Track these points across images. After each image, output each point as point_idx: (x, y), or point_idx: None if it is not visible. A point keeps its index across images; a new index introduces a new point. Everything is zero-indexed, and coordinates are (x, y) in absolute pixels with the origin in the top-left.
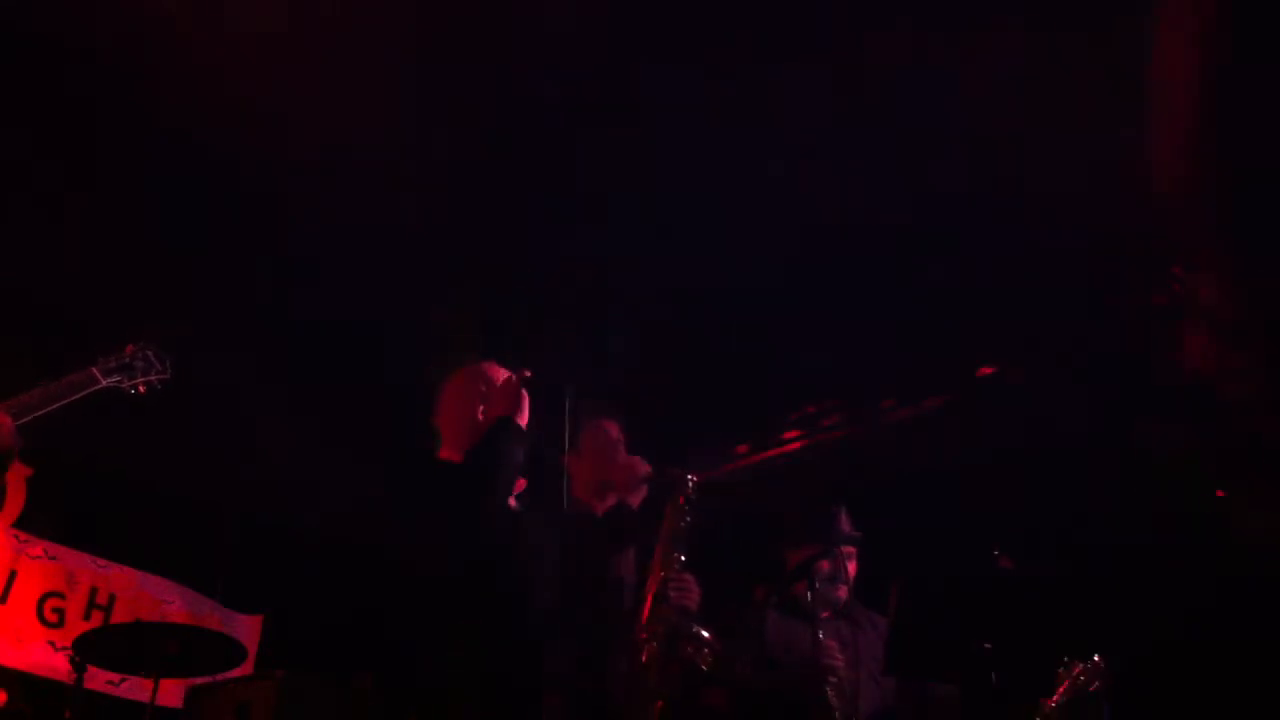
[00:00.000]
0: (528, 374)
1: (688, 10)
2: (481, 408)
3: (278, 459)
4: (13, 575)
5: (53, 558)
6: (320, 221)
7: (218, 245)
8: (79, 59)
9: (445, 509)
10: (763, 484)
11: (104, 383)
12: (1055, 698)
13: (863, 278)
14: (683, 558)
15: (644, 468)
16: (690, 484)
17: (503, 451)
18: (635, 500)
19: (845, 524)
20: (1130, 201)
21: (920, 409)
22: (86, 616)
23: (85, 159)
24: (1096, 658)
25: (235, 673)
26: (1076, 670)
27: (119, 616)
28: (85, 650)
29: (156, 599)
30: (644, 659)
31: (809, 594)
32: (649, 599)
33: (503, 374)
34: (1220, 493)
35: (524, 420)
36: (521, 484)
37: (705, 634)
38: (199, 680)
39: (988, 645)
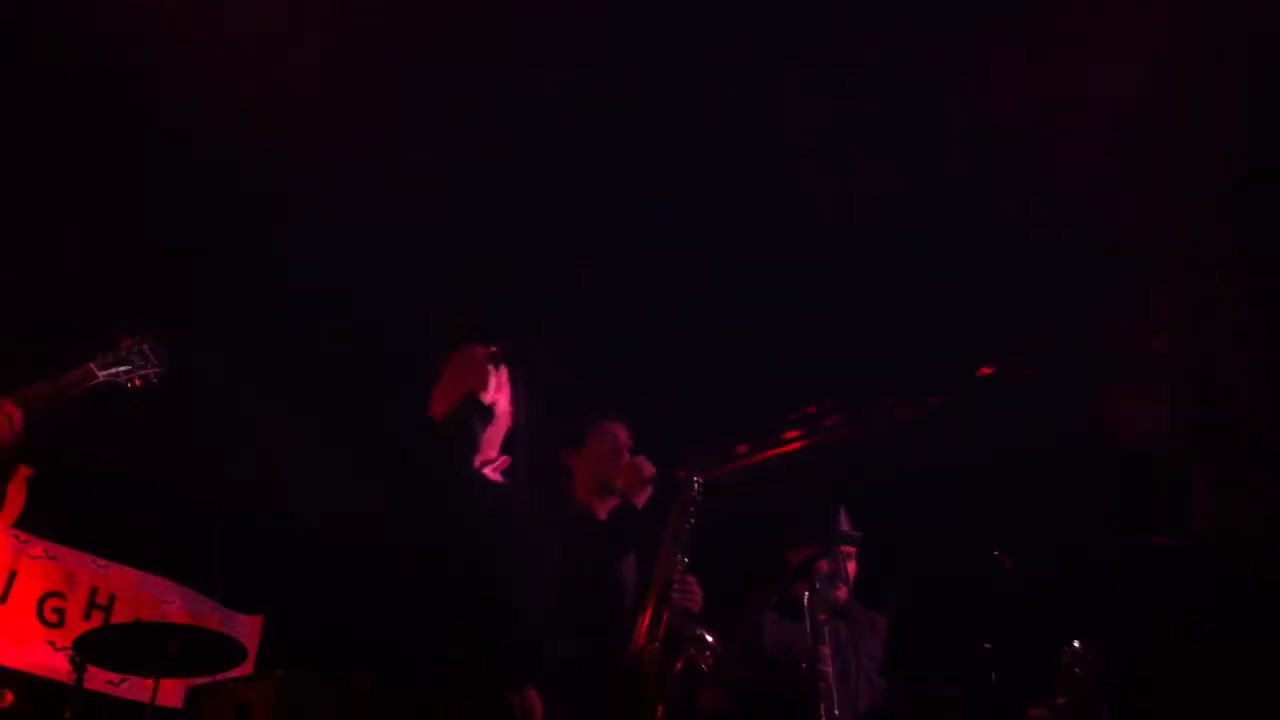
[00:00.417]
0: (494, 349)
1: (688, 10)
2: (461, 389)
3: (278, 459)
4: (13, 575)
5: (53, 558)
6: (320, 221)
7: (218, 245)
8: (79, 59)
9: (410, 478)
10: (763, 484)
11: (100, 376)
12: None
13: (863, 278)
14: (686, 560)
15: (649, 469)
16: (696, 486)
17: (460, 424)
18: (640, 501)
19: (845, 524)
20: (1130, 201)
21: (920, 409)
22: (86, 616)
23: (85, 159)
24: (1076, 643)
25: (235, 673)
26: (1064, 658)
27: (119, 616)
28: (85, 650)
29: (156, 599)
30: (645, 660)
31: (809, 594)
32: (651, 600)
33: (482, 353)
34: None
35: (490, 395)
36: (505, 461)
37: (707, 636)
38: (199, 680)
39: (988, 645)
